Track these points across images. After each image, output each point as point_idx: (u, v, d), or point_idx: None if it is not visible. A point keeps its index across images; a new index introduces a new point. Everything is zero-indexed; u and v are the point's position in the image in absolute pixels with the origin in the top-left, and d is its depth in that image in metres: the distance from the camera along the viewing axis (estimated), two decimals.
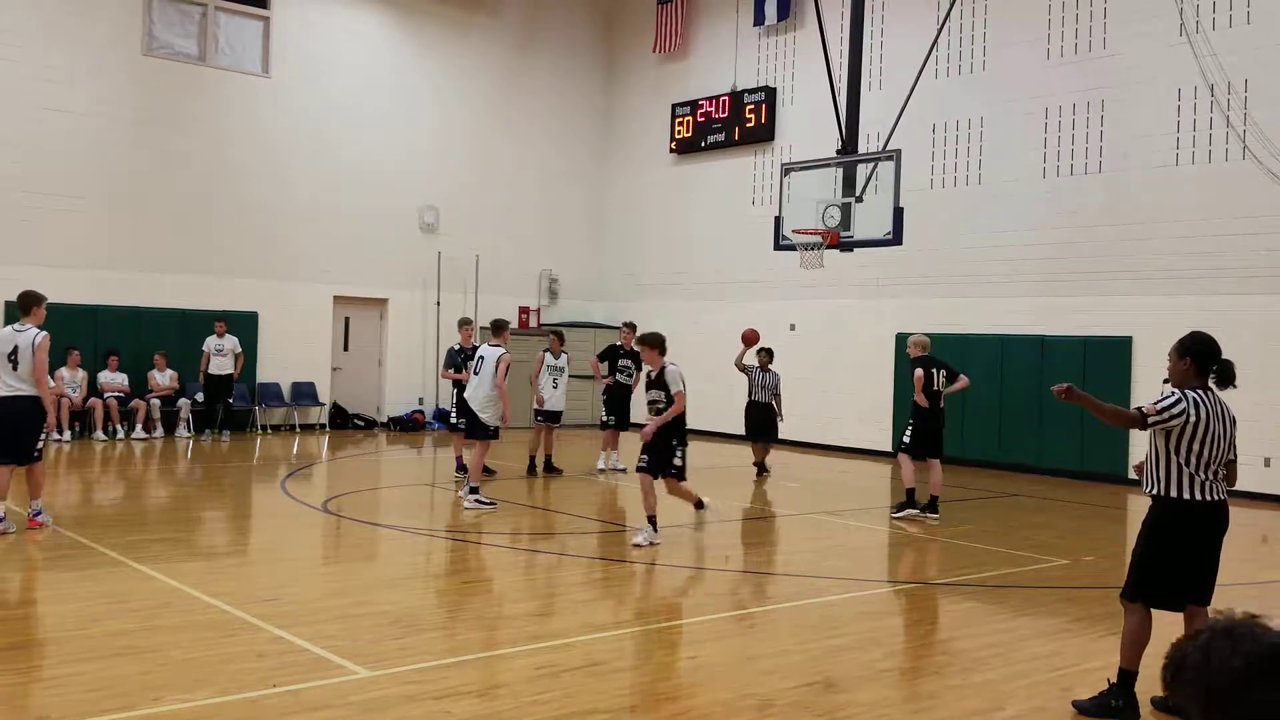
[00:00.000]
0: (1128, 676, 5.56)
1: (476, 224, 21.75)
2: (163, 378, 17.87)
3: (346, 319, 20.75)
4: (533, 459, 14.38)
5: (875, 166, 13.85)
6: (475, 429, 11.86)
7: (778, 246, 14.62)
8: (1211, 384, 5.59)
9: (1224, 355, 5.72)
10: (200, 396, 18.01)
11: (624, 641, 6.49)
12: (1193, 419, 5.35)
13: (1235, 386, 5.57)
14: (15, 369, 9.14)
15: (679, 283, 22.07)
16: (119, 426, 17.15)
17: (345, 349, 20.73)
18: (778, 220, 14.57)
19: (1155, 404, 5.40)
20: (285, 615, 6.78)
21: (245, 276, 19.09)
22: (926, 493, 11.73)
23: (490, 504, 11.51)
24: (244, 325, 18.88)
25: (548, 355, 14.41)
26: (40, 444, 9.40)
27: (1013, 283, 16.79)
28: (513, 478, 13.78)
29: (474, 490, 11.55)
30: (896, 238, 13.32)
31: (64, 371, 16.86)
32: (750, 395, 15.44)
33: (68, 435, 16.54)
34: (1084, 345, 15.87)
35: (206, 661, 5.75)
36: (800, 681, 5.82)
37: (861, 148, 14.98)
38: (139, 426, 17.30)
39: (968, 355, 17.12)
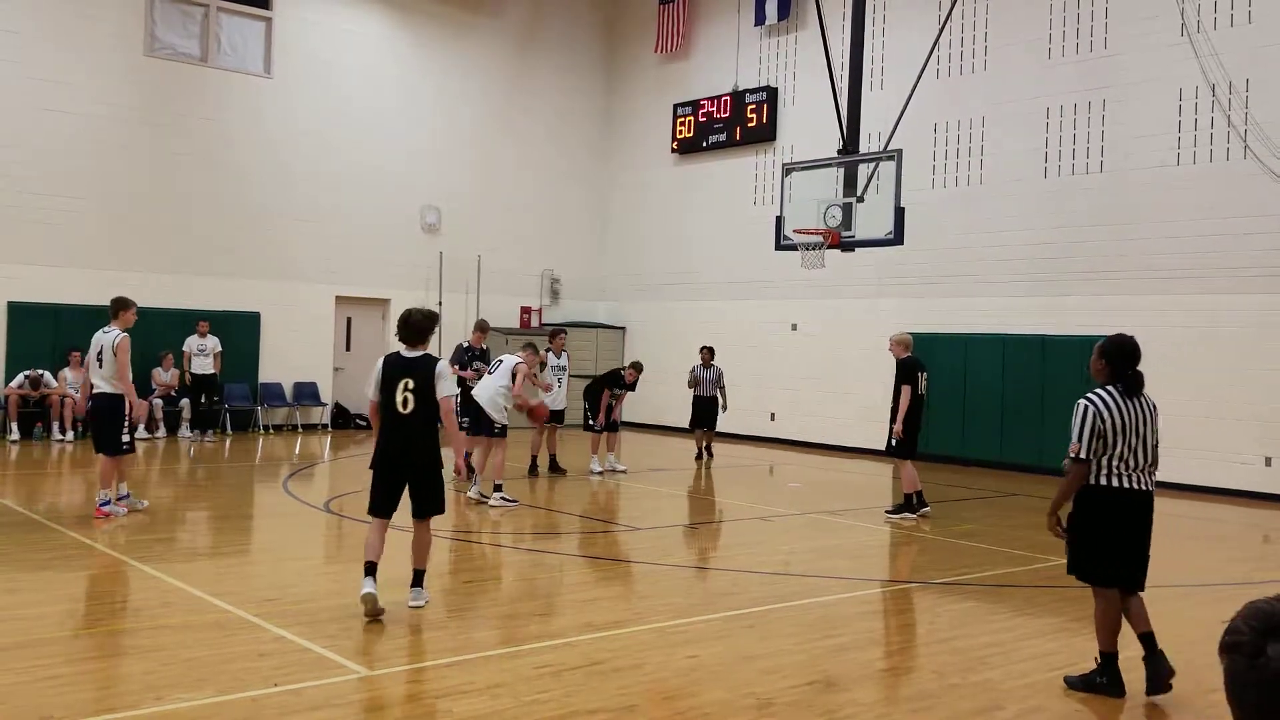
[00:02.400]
0: (1108, 657, 5.82)
1: (478, 224, 21.78)
2: (166, 377, 17.91)
3: (349, 319, 20.78)
4: (534, 459, 14.43)
5: (876, 166, 13.88)
6: (481, 425, 11.92)
7: (779, 246, 14.65)
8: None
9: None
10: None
11: (624, 641, 6.51)
12: (1104, 415, 5.68)
13: (1140, 396, 5.85)
14: (101, 368, 10.01)
15: (680, 282, 22.09)
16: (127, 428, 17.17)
17: (347, 349, 20.76)
18: (779, 220, 14.59)
19: (1073, 441, 5.75)
20: (287, 615, 6.80)
21: (247, 277, 19.13)
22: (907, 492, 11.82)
23: (513, 501, 11.67)
24: (246, 326, 18.93)
25: (550, 355, 14.41)
26: (127, 438, 10.11)
27: (1014, 282, 16.80)
28: (515, 477, 13.78)
29: (498, 488, 11.71)
30: (898, 238, 13.35)
31: (66, 372, 16.93)
32: (696, 391, 17.14)
33: (71, 435, 16.61)
34: (1085, 345, 15.84)
35: (208, 661, 5.77)
36: (800, 681, 5.84)
37: (863, 148, 15.02)
38: (141, 426, 17.32)
39: (969, 355, 17.18)
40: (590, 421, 14.98)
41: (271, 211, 19.39)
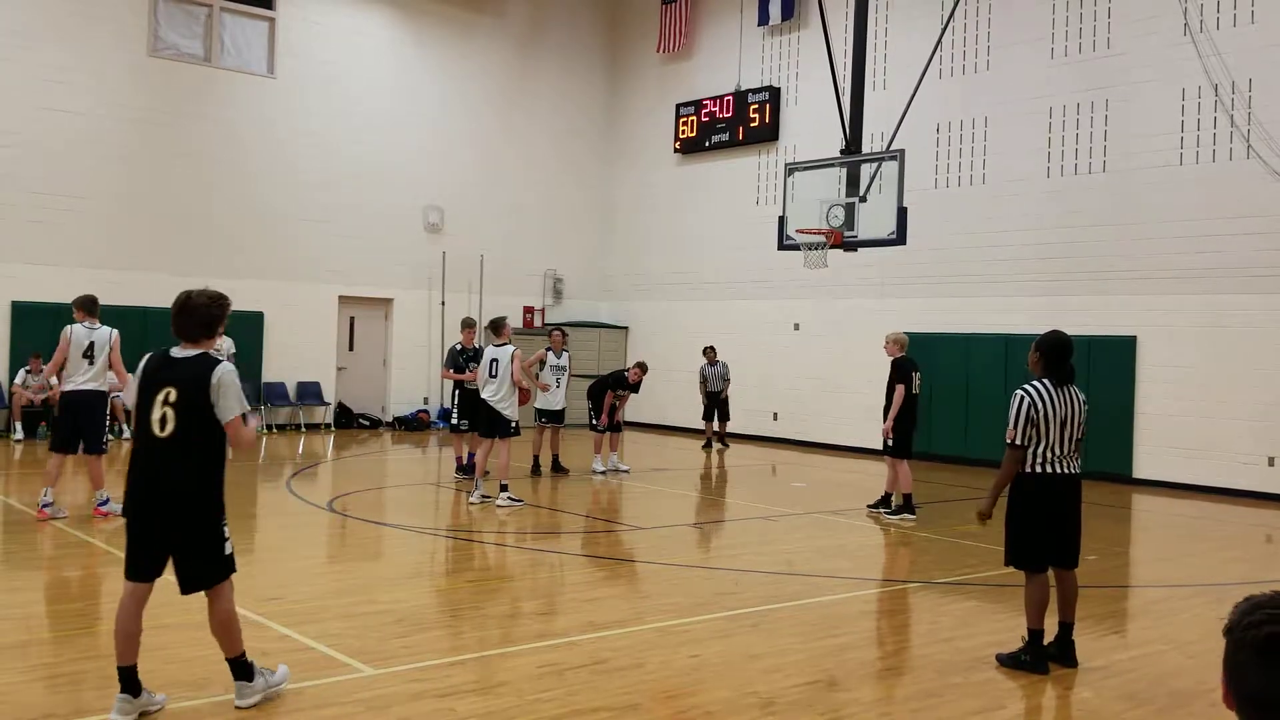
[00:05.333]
0: (1035, 635, 6.18)
1: (481, 224, 21.80)
2: None
3: (351, 319, 20.80)
4: (536, 459, 14.43)
5: (879, 166, 13.88)
6: (497, 427, 11.90)
7: (782, 246, 14.65)
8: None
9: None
10: None
11: (627, 640, 6.52)
12: (1039, 406, 6.09)
13: (1072, 384, 6.26)
14: (93, 365, 9.88)
15: (683, 282, 22.10)
16: (125, 425, 17.20)
17: (350, 349, 20.78)
18: (782, 220, 14.60)
19: (1009, 428, 6.17)
20: (290, 614, 6.81)
21: (251, 276, 19.14)
22: (900, 494, 11.83)
23: (519, 501, 11.67)
24: (250, 325, 18.93)
25: (550, 354, 14.35)
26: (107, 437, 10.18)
27: (1016, 282, 16.80)
28: (518, 477, 13.79)
29: (504, 488, 11.70)
30: (900, 237, 13.35)
31: None
32: (705, 386, 18.47)
33: None
34: (1088, 345, 15.85)
35: (211, 660, 5.76)
36: (802, 680, 5.85)
37: (865, 147, 15.02)
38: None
39: (971, 355, 17.18)
40: (594, 422, 14.98)
41: (274, 211, 19.41)
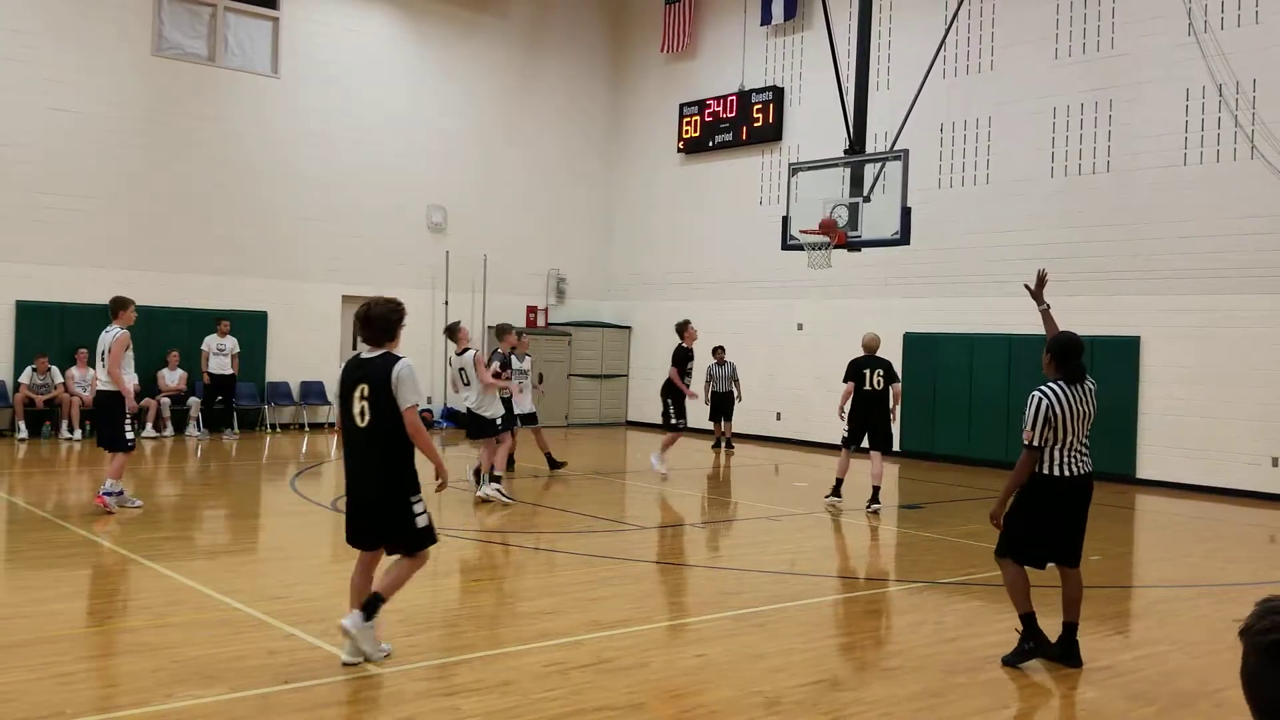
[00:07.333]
0: (1029, 619, 6.25)
1: (484, 224, 21.82)
2: (173, 377, 17.96)
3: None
4: (511, 456, 13.64)
5: (883, 166, 13.88)
6: (482, 429, 12.00)
7: (785, 246, 14.66)
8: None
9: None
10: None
11: (632, 639, 6.53)
12: (1056, 408, 6.11)
13: (1083, 383, 6.25)
14: (104, 365, 10.20)
15: (686, 282, 22.11)
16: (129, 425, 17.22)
17: (354, 348, 20.67)
18: (785, 220, 14.61)
19: (1026, 429, 6.17)
20: (295, 613, 6.83)
21: (254, 276, 19.17)
22: (870, 484, 12.11)
23: (510, 500, 11.72)
24: (253, 325, 18.98)
25: (513, 358, 13.44)
26: (131, 435, 10.33)
27: (1020, 282, 16.71)
28: (521, 477, 13.81)
29: (496, 479, 11.80)
30: (904, 237, 13.36)
31: (74, 371, 16.97)
32: (712, 387, 18.23)
33: (79, 434, 16.65)
34: (1091, 345, 15.83)
35: (218, 658, 5.80)
36: (806, 679, 5.86)
37: (869, 147, 15.04)
38: (149, 425, 17.39)
39: (975, 355, 17.18)
40: (674, 420, 14.70)
41: (278, 211, 19.44)
